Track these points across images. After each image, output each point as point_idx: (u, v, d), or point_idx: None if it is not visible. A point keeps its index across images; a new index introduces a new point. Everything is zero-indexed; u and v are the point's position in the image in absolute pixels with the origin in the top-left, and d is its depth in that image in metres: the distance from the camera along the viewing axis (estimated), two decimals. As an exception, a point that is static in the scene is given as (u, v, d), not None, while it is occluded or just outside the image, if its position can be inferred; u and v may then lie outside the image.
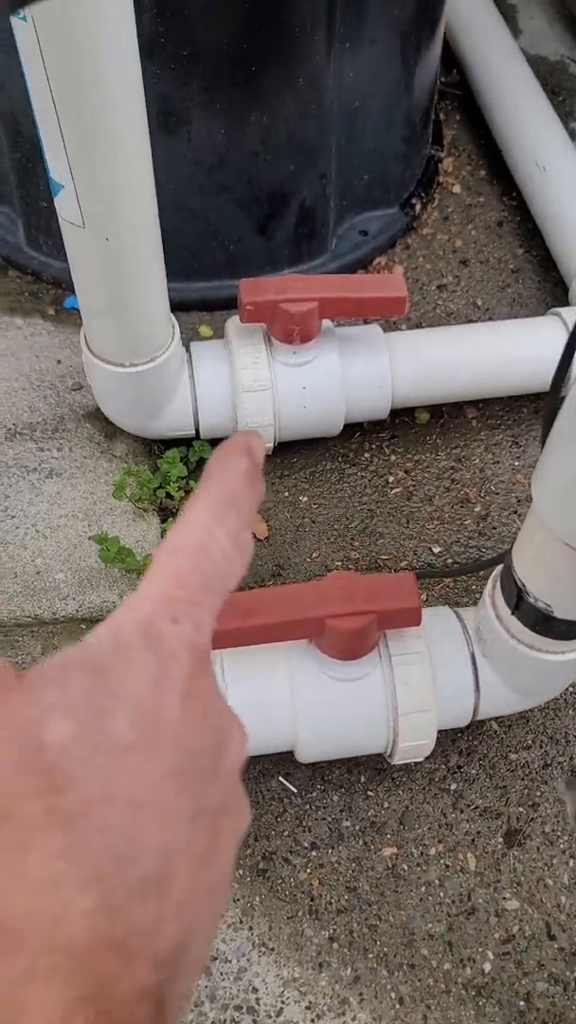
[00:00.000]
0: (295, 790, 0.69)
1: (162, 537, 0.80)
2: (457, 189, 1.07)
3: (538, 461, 0.49)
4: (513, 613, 0.57)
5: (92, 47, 0.51)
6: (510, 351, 0.83)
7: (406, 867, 0.66)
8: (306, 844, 0.67)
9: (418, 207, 1.03)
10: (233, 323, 0.79)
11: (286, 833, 0.67)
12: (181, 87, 0.79)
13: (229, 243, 0.92)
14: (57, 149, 0.57)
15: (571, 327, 0.48)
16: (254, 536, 0.78)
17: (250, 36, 0.78)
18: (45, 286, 0.96)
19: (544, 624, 0.55)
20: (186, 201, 0.88)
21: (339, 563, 0.80)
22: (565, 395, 0.45)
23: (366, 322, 0.89)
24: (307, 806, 0.68)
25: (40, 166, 0.88)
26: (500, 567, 0.60)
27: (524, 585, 0.55)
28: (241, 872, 0.65)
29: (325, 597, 0.57)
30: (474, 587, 0.79)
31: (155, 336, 0.72)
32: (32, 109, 0.68)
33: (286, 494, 0.84)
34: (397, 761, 0.64)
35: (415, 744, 0.62)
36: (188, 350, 0.79)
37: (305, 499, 0.84)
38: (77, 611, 0.76)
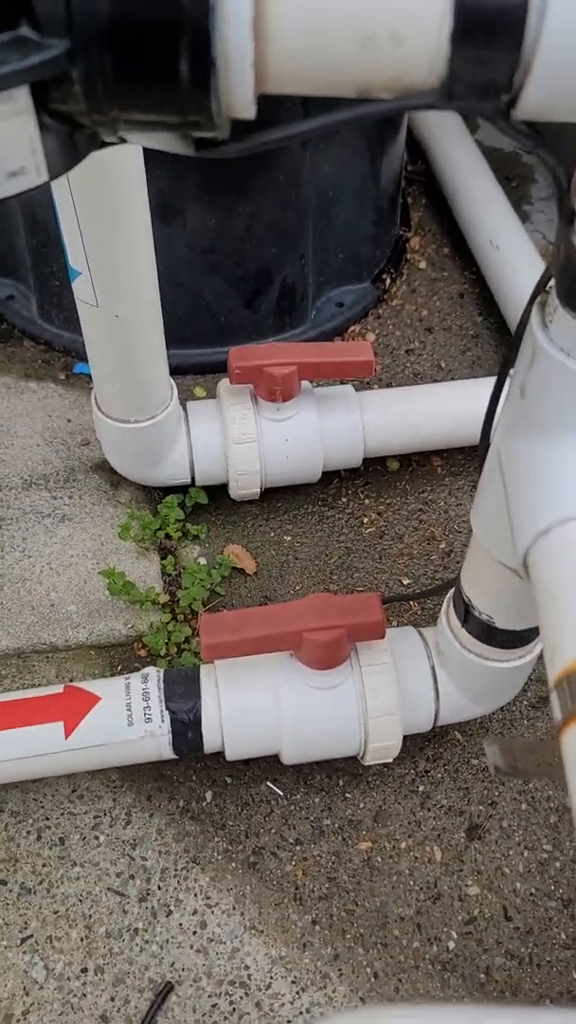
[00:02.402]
0: (281, 793, 0.77)
1: (162, 573, 0.90)
2: (423, 265, 1.19)
3: (475, 496, 0.59)
4: (463, 626, 0.66)
5: (110, 169, 0.63)
6: (469, 407, 0.94)
7: (380, 859, 0.74)
8: (291, 840, 0.75)
9: (388, 281, 1.16)
10: (224, 384, 0.90)
11: (273, 831, 0.76)
12: (177, 184, 0.92)
13: (220, 315, 1.04)
14: (76, 243, 0.68)
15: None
16: (243, 572, 0.88)
17: (237, 142, 0.91)
18: (56, 354, 1.08)
19: (489, 634, 0.65)
20: (182, 279, 1.00)
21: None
22: (491, 441, 0.56)
23: (341, 383, 1.00)
24: (292, 807, 0.77)
25: (53, 250, 1.01)
26: (453, 589, 0.70)
27: (470, 600, 0.64)
28: (233, 865, 0.74)
29: (302, 614, 0.67)
30: (438, 614, 0.89)
31: (156, 396, 0.83)
32: (52, 206, 0.80)
33: (272, 534, 0.94)
34: (369, 761, 0.73)
35: (384, 745, 0.71)
36: (184, 408, 0.90)
37: (289, 538, 0.94)
38: (87, 639, 0.85)
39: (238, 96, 0.34)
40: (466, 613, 0.65)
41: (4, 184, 0.35)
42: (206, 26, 0.31)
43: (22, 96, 0.33)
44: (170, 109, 0.34)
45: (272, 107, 0.37)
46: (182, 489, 0.93)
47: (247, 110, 0.35)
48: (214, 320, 1.04)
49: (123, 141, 0.37)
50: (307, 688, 0.70)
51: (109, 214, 0.66)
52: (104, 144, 0.38)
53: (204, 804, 0.77)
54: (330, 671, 0.69)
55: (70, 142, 0.37)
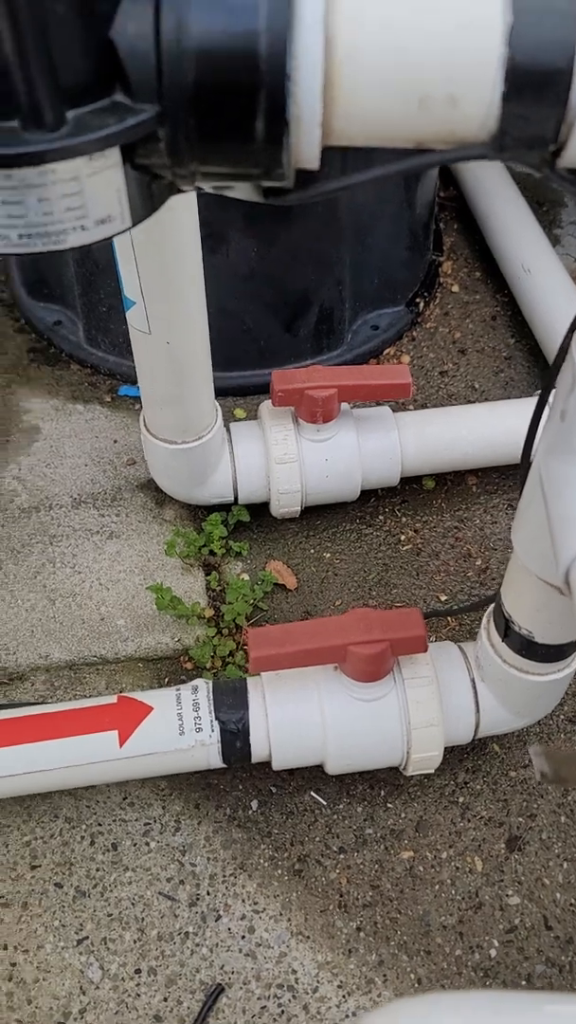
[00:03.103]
0: (324, 803, 0.80)
1: (206, 588, 0.93)
2: (456, 288, 1.22)
3: (516, 514, 0.62)
4: (503, 640, 0.69)
5: (167, 216, 0.67)
6: (504, 427, 0.97)
7: (422, 868, 0.76)
8: (335, 848, 0.77)
9: (422, 305, 1.19)
10: (266, 407, 0.93)
11: (317, 839, 0.78)
12: (223, 215, 0.96)
13: (260, 339, 1.08)
14: (131, 274, 0.72)
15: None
16: (284, 587, 0.91)
17: (278, 174, 0.94)
18: (102, 377, 1.12)
19: (529, 649, 0.67)
20: (225, 305, 1.03)
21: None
22: (532, 461, 0.58)
23: (378, 404, 1.03)
24: (335, 816, 0.79)
25: (100, 279, 1.05)
26: (493, 604, 0.72)
27: (510, 616, 0.67)
28: (280, 872, 0.76)
29: (347, 628, 0.70)
30: (475, 630, 0.91)
31: (202, 418, 0.86)
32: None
33: (312, 551, 0.97)
34: (410, 772, 0.75)
35: (426, 756, 0.73)
36: (228, 430, 0.94)
37: (328, 555, 0.97)
38: (135, 651, 0.88)
39: (306, 150, 0.37)
40: (506, 628, 0.67)
41: (93, 230, 0.39)
42: (282, 91, 0.34)
43: (113, 153, 0.36)
44: (245, 163, 0.37)
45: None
46: (225, 507, 0.96)
47: (313, 162, 0.38)
48: (255, 344, 1.08)
49: (199, 190, 0.40)
50: (351, 700, 0.72)
51: (164, 247, 0.69)
52: (179, 191, 0.41)
53: (250, 812, 0.79)
54: (373, 684, 0.72)
55: (149, 191, 0.40)
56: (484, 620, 0.73)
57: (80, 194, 0.37)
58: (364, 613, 0.71)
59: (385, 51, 0.34)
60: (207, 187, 0.40)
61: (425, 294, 1.20)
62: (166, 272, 0.71)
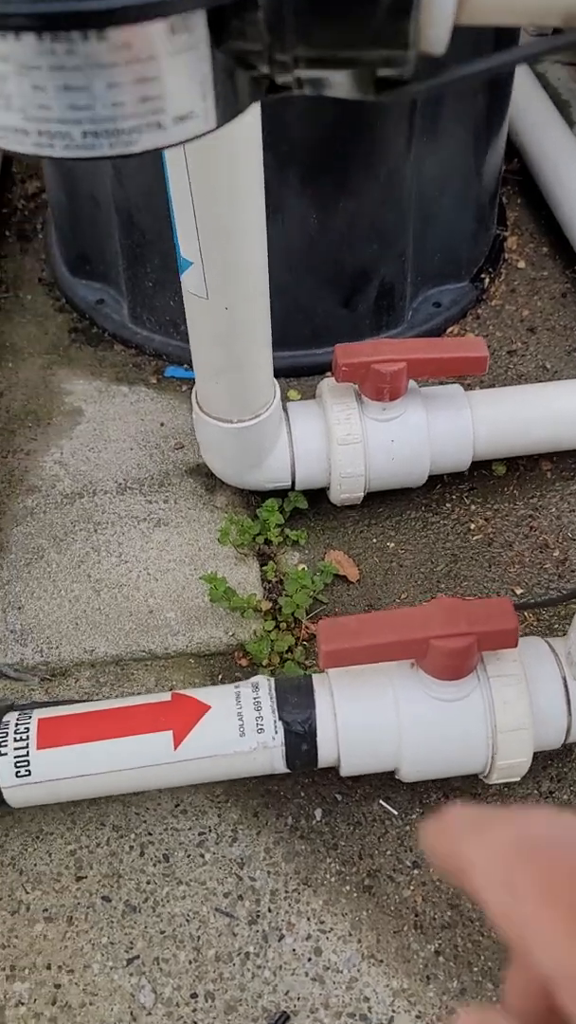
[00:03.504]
0: (395, 812, 0.73)
1: (262, 579, 0.86)
2: (522, 264, 1.15)
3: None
4: (604, 634, 0.61)
5: (229, 147, 0.60)
6: (581, 407, 0.89)
7: (505, 886, 0.69)
8: (408, 863, 0.70)
9: (487, 281, 1.11)
10: (327, 383, 0.87)
11: (389, 852, 0.71)
12: (279, 179, 0.89)
13: (315, 316, 1.01)
14: (189, 229, 0.66)
15: None
16: (345, 579, 0.83)
17: (339, 135, 0.88)
18: (147, 358, 1.06)
19: None
20: (278, 280, 0.96)
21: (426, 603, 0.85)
22: None
23: (444, 382, 0.96)
24: (407, 827, 0.72)
25: (147, 251, 0.99)
26: (588, 595, 0.65)
27: (615, 606, 0.60)
28: (348, 888, 0.69)
29: (429, 620, 0.63)
30: (557, 626, 0.83)
31: (260, 395, 0.80)
32: (149, 207, 0.78)
33: (374, 540, 0.90)
34: (494, 780, 0.68)
35: (512, 762, 0.66)
36: (285, 409, 0.87)
37: (392, 545, 0.90)
38: (187, 646, 0.82)
39: (436, 27, 0.31)
40: (609, 620, 0.60)
41: (171, 129, 0.32)
42: None
43: (199, 27, 0.30)
44: (362, 42, 0.31)
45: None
46: (281, 493, 0.90)
47: (441, 43, 0.32)
48: (309, 321, 1.01)
49: (298, 86, 0.34)
50: (431, 700, 0.65)
51: (226, 197, 0.63)
52: (272, 90, 0.35)
53: (314, 822, 0.72)
54: (456, 682, 0.64)
55: (234, 85, 0.34)
56: (578, 613, 0.65)
57: (158, 80, 0.30)
58: (449, 603, 0.63)
59: None
60: (306, 79, 0.33)
61: (490, 270, 1.12)
62: (228, 225, 0.65)
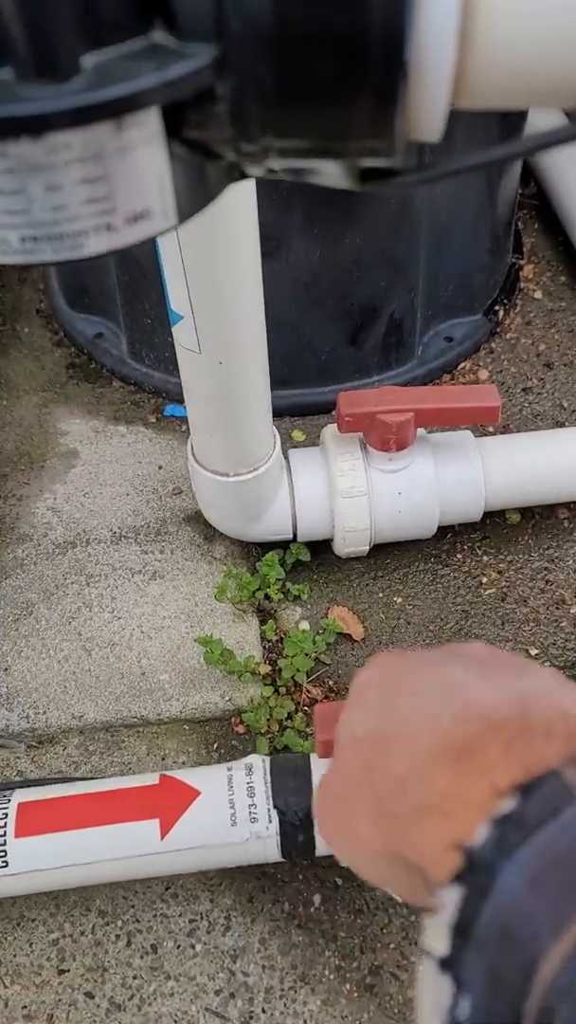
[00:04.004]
0: (400, 899, 0.68)
1: (261, 638, 0.82)
2: (538, 295, 1.10)
3: None
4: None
5: (221, 201, 0.56)
6: (601, 454, 0.84)
7: (517, 986, 0.64)
8: (414, 959, 0.66)
9: (501, 313, 1.06)
10: (330, 431, 0.82)
11: (392, 946, 0.66)
12: (282, 215, 0.85)
13: (321, 353, 0.96)
14: (179, 284, 0.61)
15: None
16: (350, 637, 0.79)
17: (345, 167, 0.83)
18: (146, 395, 1.02)
19: None
20: (282, 316, 0.92)
21: (435, 665, 0.81)
22: None
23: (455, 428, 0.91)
24: (413, 917, 0.67)
25: (145, 286, 0.95)
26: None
27: None
28: (348, 987, 0.64)
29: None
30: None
31: (258, 448, 0.75)
32: (147, 241, 0.73)
33: (380, 595, 0.85)
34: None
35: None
36: (286, 457, 0.83)
37: (399, 600, 0.85)
38: (181, 712, 0.77)
39: (428, 114, 0.26)
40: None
41: (123, 231, 0.28)
42: (399, 27, 0.23)
43: (152, 120, 0.25)
44: (342, 133, 0.26)
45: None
46: (282, 544, 0.85)
47: (435, 132, 0.27)
48: (315, 358, 0.97)
49: (271, 174, 0.29)
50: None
51: (218, 252, 0.58)
52: (242, 177, 0.30)
53: (312, 909, 0.68)
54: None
55: (202, 176, 0.29)
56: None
57: (105, 180, 0.26)
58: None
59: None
60: (281, 169, 0.29)
61: (505, 301, 1.07)
62: (220, 281, 0.60)
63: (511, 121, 0.91)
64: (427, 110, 0.26)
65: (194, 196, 0.29)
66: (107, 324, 1.05)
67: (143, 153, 0.26)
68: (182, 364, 0.69)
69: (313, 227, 0.86)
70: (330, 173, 0.29)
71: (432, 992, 0.21)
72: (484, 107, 0.28)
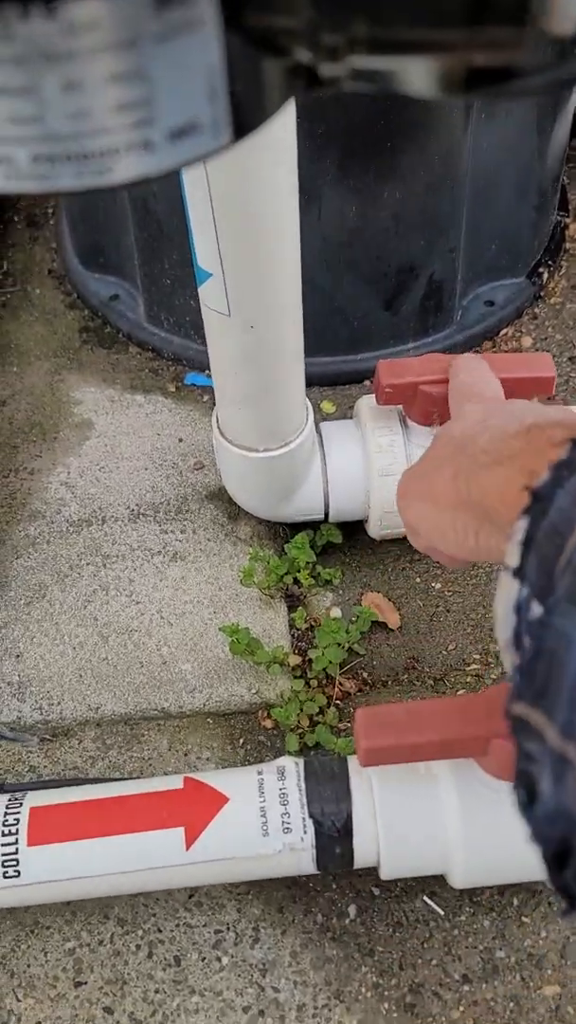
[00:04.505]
0: (442, 912, 0.63)
1: (290, 626, 0.76)
2: (586, 256, 1.02)
3: None
4: None
5: (256, 142, 0.49)
6: None
7: (571, 1010, 0.59)
8: (457, 977, 0.61)
9: (545, 275, 0.99)
10: (367, 404, 0.76)
11: (434, 962, 0.61)
12: (314, 165, 0.78)
13: (353, 318, 0.90)
14: (208, 238, 0.55)
15: None
16: (385, 626, 0.73)
17: (386, 113, 0.76)
18: (165, 363, 0.96)
19: None
20: (312, 278, 0.85)
21: (478, 656, 0.75)
22: None
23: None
24: (456, 931, 0.62)
25: (165, 244, 0.88)
26: None
27: None
28: (386, 1006, 0.60)
29: (491, 711, 0.52)
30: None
31: (291, 420, 0.69)
32: (167, 194, 0.67)
33: (417, 580, 0.80)
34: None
35: (585, 875, 0.56)
36: (319, 431, 0.76)
37: (438, 585, 0.79)
38: (204, 705, 0.72)
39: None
40: None
41: (165, 148, 0.21)
42: None
43: (204, -4, 0.19)
44: (458, 17, 0.20)
45: None
46: (311, 524, 0.79)
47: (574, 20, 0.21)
48: (347, 324, 0.90)
49: (353, 78, 0.23)
50: (489, 797, 0.55)
51: (254, 201, 0.52)
52: (311, 85, 0.24)
53: (347, 921, 0.63)
54: (521, 782, 0.54)
55: (259, 81, 0.23)
56: None
57: (141, 76, 0.20)
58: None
59: None
60: (365, 70, 0.22)
61: (549, 263, 1.00)
62: (255, 233, 0.54)
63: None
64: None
65: (252, 108, 0.23)
66: (123, 285, 0.98)
67: (192, 42, 0.20)
68: (209, 328, 0.63)
69: (348, 179, 0.79)
70: (429, 77, 0.22)
71: (505, 596, 0.27)
72: None
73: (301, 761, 0.60)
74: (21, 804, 0.58)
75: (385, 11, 0.19)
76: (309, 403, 0.72)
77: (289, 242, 0.57)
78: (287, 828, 0.56)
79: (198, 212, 0.54)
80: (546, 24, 0.20)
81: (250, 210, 0.53)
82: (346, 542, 0.80)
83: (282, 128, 0.50)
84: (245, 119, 0.23)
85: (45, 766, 0.70)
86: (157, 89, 0.20)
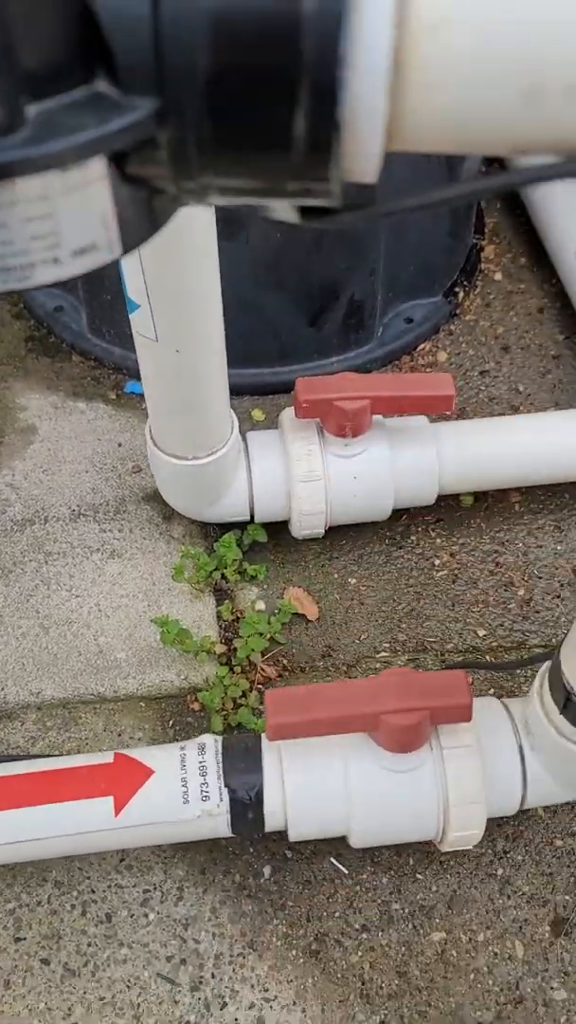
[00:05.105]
0: (345, 871, 0.71)
1: (217, 618, 0.84)
2: (499, 276, 1.11)
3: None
4: (561, 712, 0.59)
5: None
6: (553, 441, 0.86)
7: (455, 953, 0.68)
8: (357, 926, 0.69)
9: (461, 294, 1.08)
10: (288, 416, 0.83)
11: (337, 915, 0.69)
12: (242, 196, 0.84)
13: (281, 333, 0.97)
14: (135, 274, 0.62)
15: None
16: (304, 617, 0.81)
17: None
18: (107, 371, 1.02)
19: (591, 724, 0.58)
20: (243, 296, 0.92)
21: (387, 645, 0.83)
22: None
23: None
24: (357, 887, 0.71)
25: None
26: (548, 664, 0.63)
27: (572, 687, 0.57)
28: (294, 953, 0.68)
29: (381, 693, 0.60)
30: (519, 672, 0.81)
31: (216, 432, 0.76)
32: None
33: (335, 575, 0.87)
34: (446, 848, 0.66)
35: (465, 834, 0.64)
36: (244, 439, 0.84)
37: (354, 581, 0.87)
38: (137, 689, 0.79)
39: (362, 159, 0.27)
40: (566, 700, 0.58)
41: (69, 263, 0.29)
42: (332, 81, 0.24)
43: (96, 165, 0.26)
44: (278, 177, 0.27)
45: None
46: (239, 525, 0.87)
47: (370, 174, 0.28)
48: (276, 339, 0.97)
49: (213, 205, 0.30)
50: (381, 770, 0.63)
51: (174, 244, 0.59)
52: (188, 205, 0.31)
53: (262, 880, 0.71)
54: (408, 753, 0.62)
55: (149, 208, 0.30)
56: (537, 683, 0.63)
57: (51, 218, 0.27)
58: (401, 675, 0.61)
59: (487, 22, 0.24)
60: (225, 204, 0.30)
61: (465, 283, 1.08)
62: (177, 274, 0.61)
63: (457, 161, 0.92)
64: (361, 156, 0.27)
65: (139, 227, 0.30)
66: (67, 298, 1.04)
67: (87, 194, 0.27)
68: (140, 350, 0.70)
69: (274, 209, 0.86)
70: (272, 209, 0.30)
71: None
72: (419, 151, 0.29)
73: (220, 738, 0.67)
74: (-34, 778, 0.64)
75: (224, 171, 0.27)
76: (234, 416, 0.80)
77: (210, 278, 0.64)
78: (205, 796, 0.64)
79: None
80: (348, 177, 0.28)
81: (173, 253, 0.60)
82: (271, 541, 0.87)
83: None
84: (133, 237, 0.30)
85: (-10, 746, 0.76)
86: (62, 225, 0.27)
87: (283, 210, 0.30)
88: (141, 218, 0.30)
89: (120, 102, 0.24)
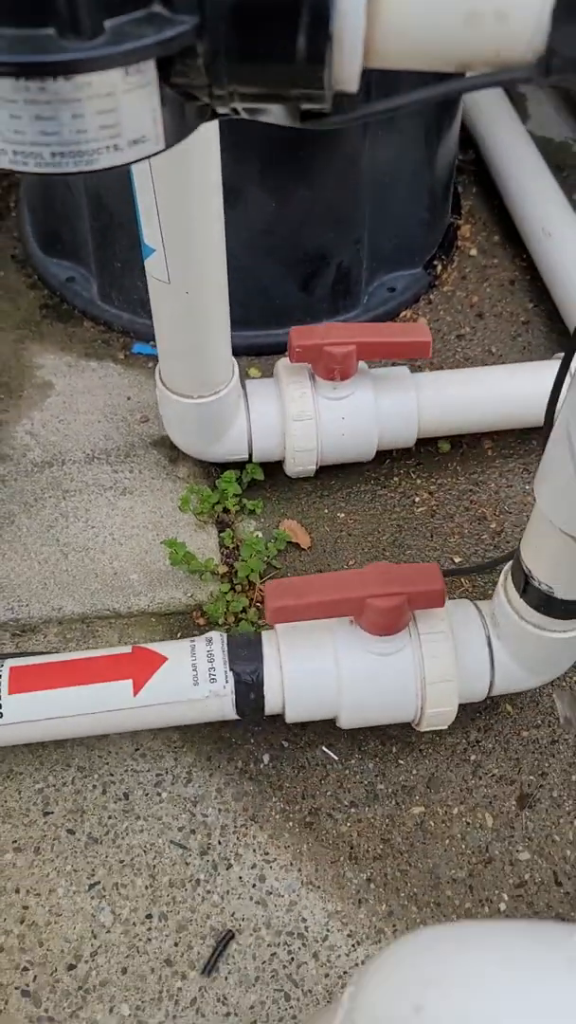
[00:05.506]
0: (336, 758, 0.80)
1: (220, 545, 0.93)
2: (474, 252, 1.21)
3: (539, 466, 0.61)
4: (521, 596, 0.69)
5: (190, 146, 0.66)
6: (521, 390, 0.96)
7: (432, 823, 0.77)
8: (346, 803, 0.78)
9: (439, 268, 1.18)
10: (283, 363, 0.93)
11: (329, 793, 0.78)
12: (239, 168, 0.94)
13: (276, 298, 1.07)
14: (152, 220, 0.71)
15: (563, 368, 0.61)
16: (298, 546, 0.90)
17: (299, 128, 0.93)
18: (115, 335, 1.11)
19: (547, 605, 0.67)
20: (240, 262, 1.02)
21: (372, 570, 0.92)
22: (556, 416, 0.58)
23: (394, 364, 1.02)
24: (346, 771, 0.79)
25: (116, 233, 1.04)
26: (511, 562, 0.72)
27: (530, 571, 0.67)
28: (291, 824, 0.76)
29: (365, 581, 0.69)
30: (490, 591, 0.91)
31: (219, 373, 0.86)
32: (118, 189, 0.82)
33: (326, 511, 0.97)
34: (424, 727, 0.75)
35: (440, 711, 0.73)
36: (244, 387, 0.93)
37: (342, 515, 0.96)
38: (148, 606, 0.88)
39: (347, 71, 0.36)
40: (525, 583, 0.67)
41: (126, 151, 0.38)
42: (326, 6, 0.33)
43: (149, 69, 0.36)
44: (285, 83, 0.36)
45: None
46: (239, 465, 0.96)
47: (353, 84, 0.38)
48: (270, 303, 1.07)
49: (233, 113, 0.39)
50: (366, 654, 0.72)
51: (187, 192, 0.68)
52: (214, 116, 0.41)
53: (262, 766, 0.79)
54: (390, 637, 0.71)
55: (182, 113, 0.39)
56: (502, 578, 0.72)
57: (115, 111, 0.36)
58: (383, 567, 0.70)
59: (433, -38, 0.34)
60: (242, 109, 0.39)
61: (443, 257, 1.18)
62: (188, 218, 0.70)
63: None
64: (346, 69, 0.36)
65: (177, 128, 0.39)
66: (78, 269, 1.14)
67: (143, 93, 0.36)
68: (153, 294, 0.79)
69: (268, 181, 0.96)
70: (279, 114, 0.39)
71: None
72: (389, 67, 0.38)
73: (225, 633, 0.76)
74: (2, 665, 0.73)
75: (246, 80, 0.36)
76: (235, 361, 0.89)
77: (216, 224, 0.73)
78: (212, 678, 0.72)
79: (144, 200, 0.70)
80: (336, 87, 0.37)
81: (186, 198, 0.69)
82: (267, 479, 0.97)
83: (209, 139, 0.67)
84: (173, 134, 0.39)
85: (16, 652, 0.85)
86: (123, 118, 0.37)
87: (286, 115, 0.39)
88: (177, 121, 0.39)
89: (171, 18, 0.34)
